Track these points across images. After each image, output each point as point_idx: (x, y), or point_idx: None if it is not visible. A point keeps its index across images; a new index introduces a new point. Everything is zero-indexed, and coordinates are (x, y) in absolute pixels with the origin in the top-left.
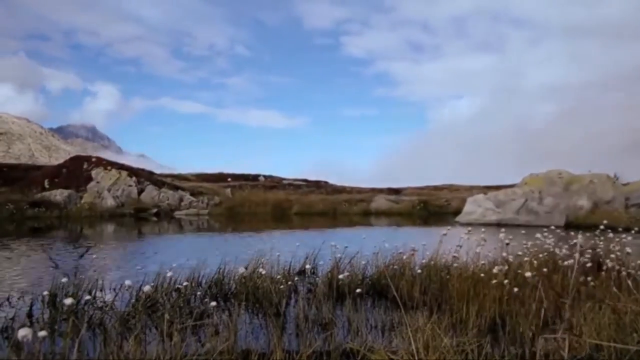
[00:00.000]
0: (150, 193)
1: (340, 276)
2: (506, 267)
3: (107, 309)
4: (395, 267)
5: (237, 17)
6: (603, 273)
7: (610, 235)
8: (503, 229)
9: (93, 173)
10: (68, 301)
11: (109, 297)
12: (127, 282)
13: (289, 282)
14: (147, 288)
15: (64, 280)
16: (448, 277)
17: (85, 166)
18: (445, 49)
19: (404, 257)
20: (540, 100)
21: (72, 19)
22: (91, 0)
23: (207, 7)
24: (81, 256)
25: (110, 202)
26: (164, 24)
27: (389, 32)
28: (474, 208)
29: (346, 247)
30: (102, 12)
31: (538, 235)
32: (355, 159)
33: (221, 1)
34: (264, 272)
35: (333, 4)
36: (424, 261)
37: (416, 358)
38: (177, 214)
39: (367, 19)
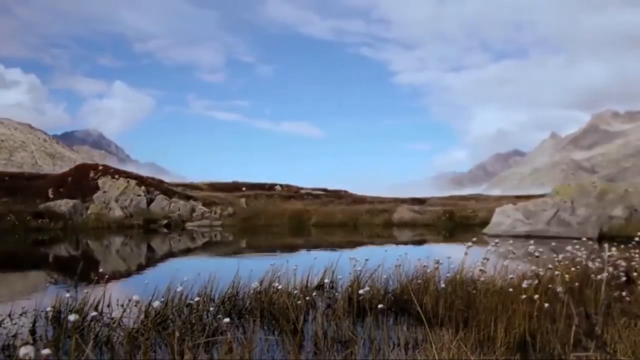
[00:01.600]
0: (160, 203)
1: (361, 291)
2: (536, 282)
3: (114, 325)
4: (419, 281)
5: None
6: (639, 288)
7: None
8: (533, 241)
9: (100, 182)
10: (73, 317)
11: (116, 313)
12: (136, 297)
13: (307, 297)
14: (156, 304)
15: (68, 295)
16: (475, 291)
17: (91, 175)
18: (467, 59)
19: (428, 270)
20: (569, 107)
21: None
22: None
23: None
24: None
25: (117, 212)
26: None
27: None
28: (502, 219)
29: (367, 260)
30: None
31: (569, 247)
32: (382, 169)
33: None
34: (280, 287)
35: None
36: (449, 275)
37: None
38: (189, 225)
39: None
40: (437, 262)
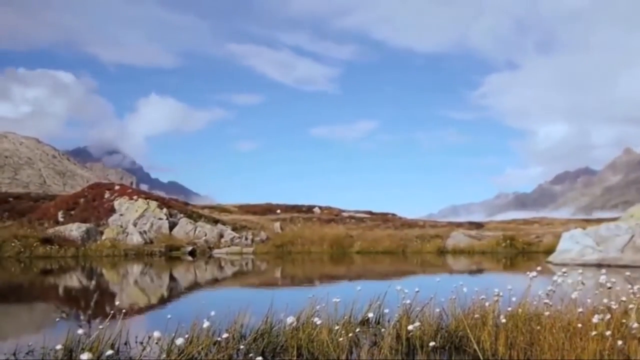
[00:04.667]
0: (184, 228)
1: (410, 327)
2: (608, 316)
3: None
4: (476, 315)
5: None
6: None
7: None
8: (604, 270)
9: (116, 204)
10: (86, 356)
11: (134, 351)
12: (156, 334)
13: (350, 334)
14: (180, 341)
15: (81, 331)
16: (539, 327)
17: (106, 195)
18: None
19: (487, 303)
20: None
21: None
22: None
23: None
24: None
25: (136, 238)
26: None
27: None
28: (570, 245)
29: (417, 291)
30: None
31: None
32: (435, 190)
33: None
34: (319, 322)
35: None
36: (509, 309)
37: None
38: (216, 252)
39: None
40: (497, 294)
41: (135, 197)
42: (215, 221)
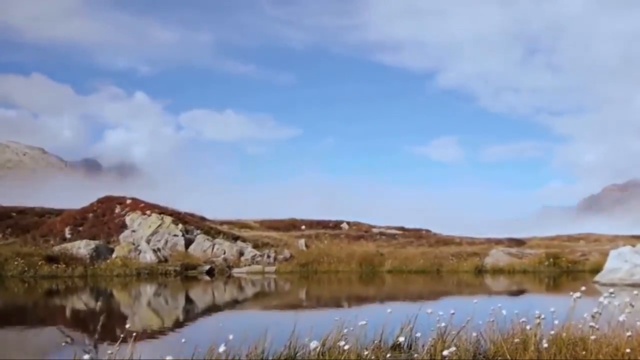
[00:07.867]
0: (202, 245)
1: (446, 352)
2: None
3: None
4: (516, 340)
5: None
6: None
7: None
8: None
9: (127, 219)
10: None
11: None
12: (169, 359)
13: None
14: None
15: (87, 356)
16: (584, 352)
17: (117, 210)
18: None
19: (528, 327)
20: None
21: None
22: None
23: None
24: None
25: (149, 256)
26: None
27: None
28: (618, 264)
29: (452, 314)
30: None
31: None
32: (473, 203)
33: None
34: (347, 347)
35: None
36: (552, 332)
37: None
38: (236, 271)
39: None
40: (539, 316)
41: (148, 211)
42: (235, 238)
